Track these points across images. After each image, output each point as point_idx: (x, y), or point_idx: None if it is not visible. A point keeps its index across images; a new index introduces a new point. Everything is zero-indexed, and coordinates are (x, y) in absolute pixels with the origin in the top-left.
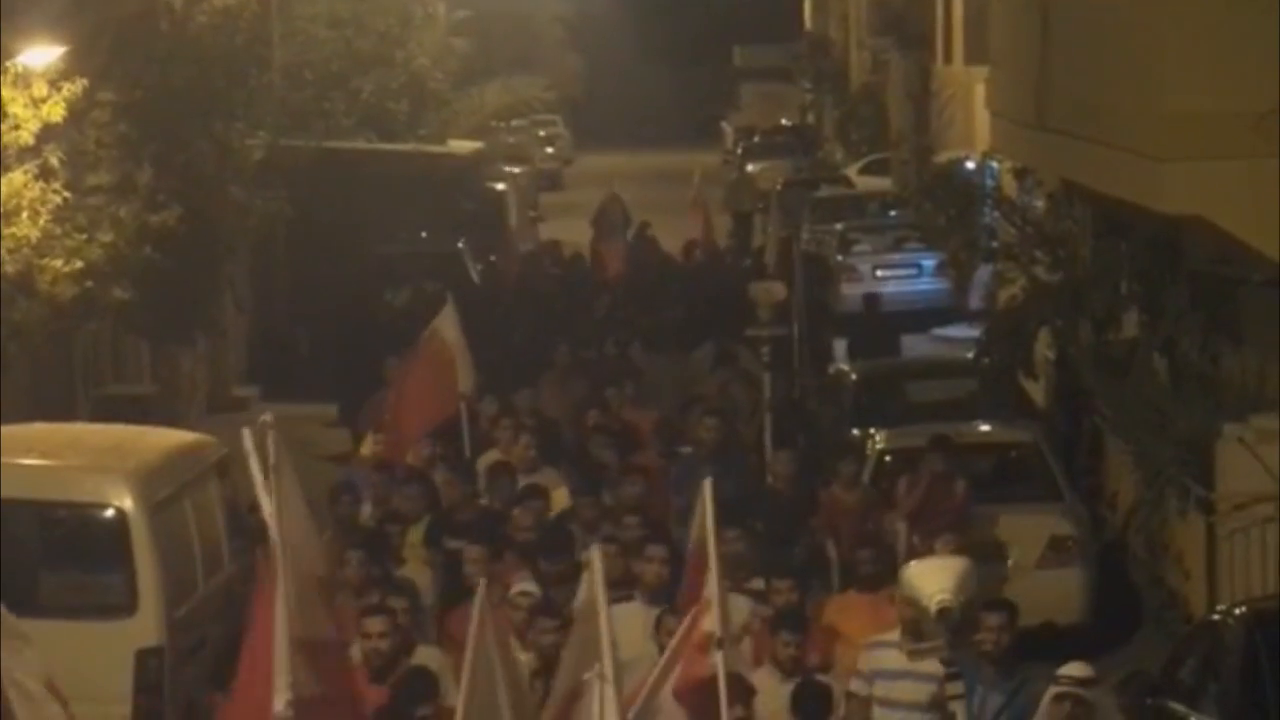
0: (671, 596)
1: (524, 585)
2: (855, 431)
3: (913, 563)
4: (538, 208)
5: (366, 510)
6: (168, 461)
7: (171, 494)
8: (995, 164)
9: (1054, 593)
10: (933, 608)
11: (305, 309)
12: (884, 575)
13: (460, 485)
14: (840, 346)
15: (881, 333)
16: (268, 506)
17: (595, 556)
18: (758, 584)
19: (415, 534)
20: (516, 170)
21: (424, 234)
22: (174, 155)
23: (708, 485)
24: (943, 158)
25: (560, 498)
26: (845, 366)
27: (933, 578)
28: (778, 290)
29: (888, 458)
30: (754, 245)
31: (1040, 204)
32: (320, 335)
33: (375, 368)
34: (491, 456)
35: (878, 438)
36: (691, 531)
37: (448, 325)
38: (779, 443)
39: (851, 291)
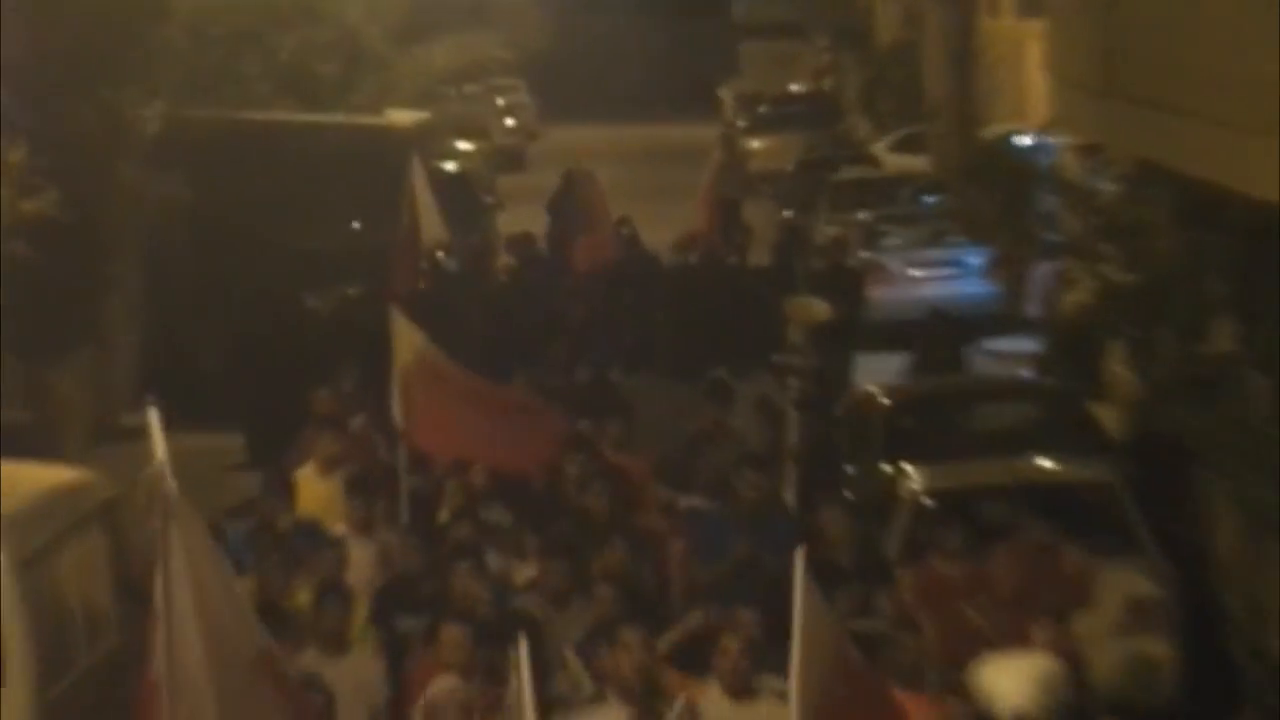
0: (647, 697)
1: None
2: (886, 469)
3: (990, 659)
4: (495, 192)
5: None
6: (42, 505)
7: (46, 545)
8: (1055, 139)
9: (1135, 667)
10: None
11: (212, 316)
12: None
13: (414, 551)
14: (864, 364)
15: (939, 348)
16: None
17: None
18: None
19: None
20: (470, 146)
21: (356, 225)
22: (51, 128)
23: (800, 557)
24: (991, 132)
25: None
26: (874, 389)
27: (1012, 680)
28: (819, 309)
29: (927, 503)
30: (743, 238)
31: (1111, 188)
32: (231, 349)
33: (293, 392)
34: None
35: (914, 478)
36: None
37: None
38: (820, 498)
39: (880, 296)
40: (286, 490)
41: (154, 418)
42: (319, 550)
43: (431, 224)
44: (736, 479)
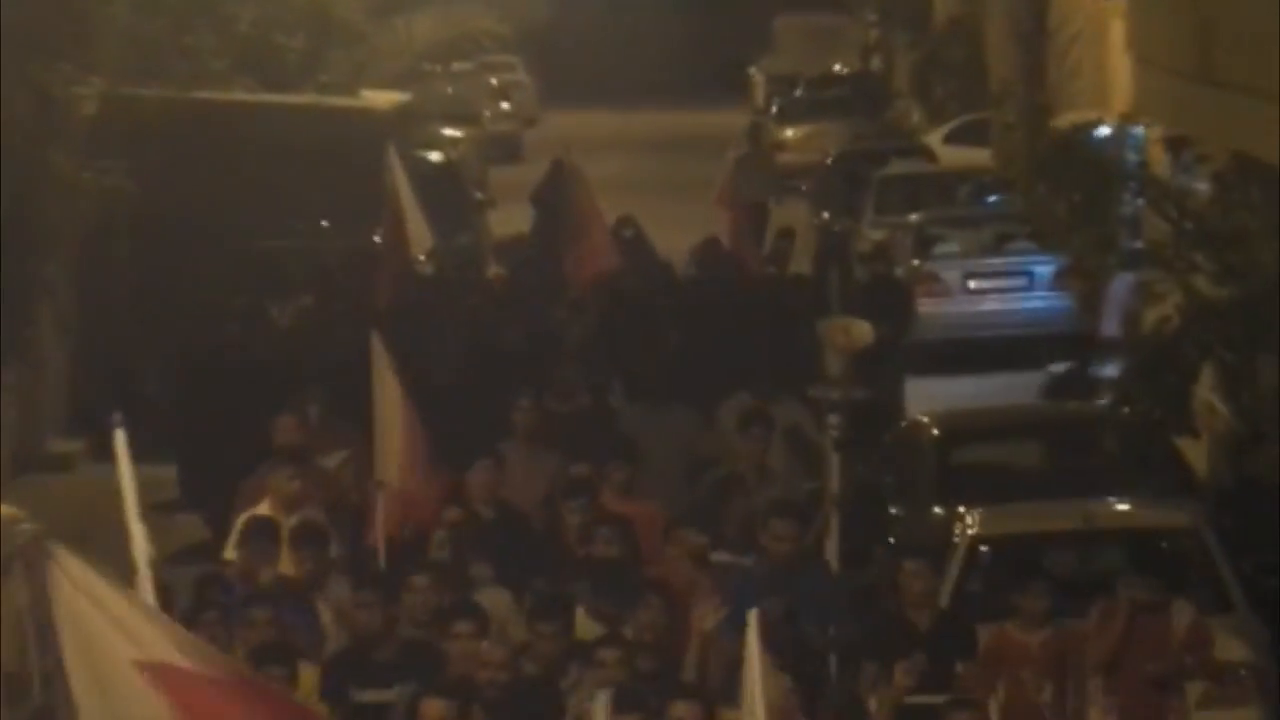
0: None
1: None
2: (938, 510)
3: None
4: (487, 186)
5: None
6: None
7: None
8: (1140, 131)
9: None
10: None
11: (154, 329)
12: None
13: (378, 608)
14: (914, 390)
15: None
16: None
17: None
18: None
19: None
20: (458, 133)
21: (325, 223)
22: None
23: (753, 619)
24: (1065, 121)
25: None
26: (924, 418)
27: None
28: (862, 331)
29: (984, 548)
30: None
31: (1204, 187)
32: (175, 367)
33: (244, 420)
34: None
35: (969, 520)
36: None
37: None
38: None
39: (934, 310)
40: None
41: (120, 440)
42: (254, 607)
43: (417, 229)
44: (764, 530)
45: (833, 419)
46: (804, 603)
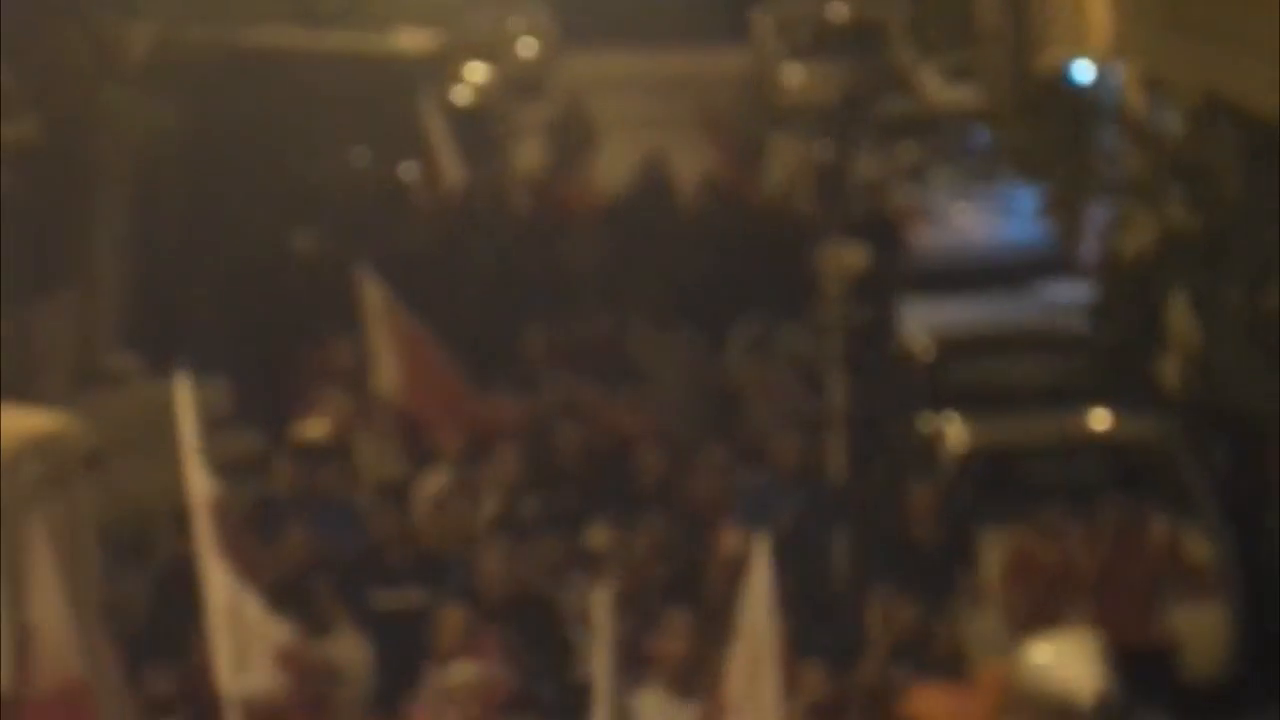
0: (696, 682)
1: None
2: (929, 423)
3: (1033, 644)
4: (510, 123)
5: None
6: (19, 454)
7: (25, 495)
8: (1118, 70)
9: (1186, 635)
10: (1088, 702)
11: (203, 256)
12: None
13: (394, 515)
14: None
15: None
16: None
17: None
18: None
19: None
20: (482, 72)
21: (361, 158)
22: (32, 50)
23: (762, 543)
24: (1047, 61)
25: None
26: (918, 337)
27: (1079, 661)
28: (856, 258)
29: (969, 459)
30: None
31: (1176, 124)
32: (223, 292)
33: (292, 341)
34: (439, 480)
35: (958, 433)
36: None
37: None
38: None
39: (925, 238)
40: (291, 451)
41: (183, 389)
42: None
43: (449, 164)
44: (777, 442)
45: (833, 339)
46: (809, 513)
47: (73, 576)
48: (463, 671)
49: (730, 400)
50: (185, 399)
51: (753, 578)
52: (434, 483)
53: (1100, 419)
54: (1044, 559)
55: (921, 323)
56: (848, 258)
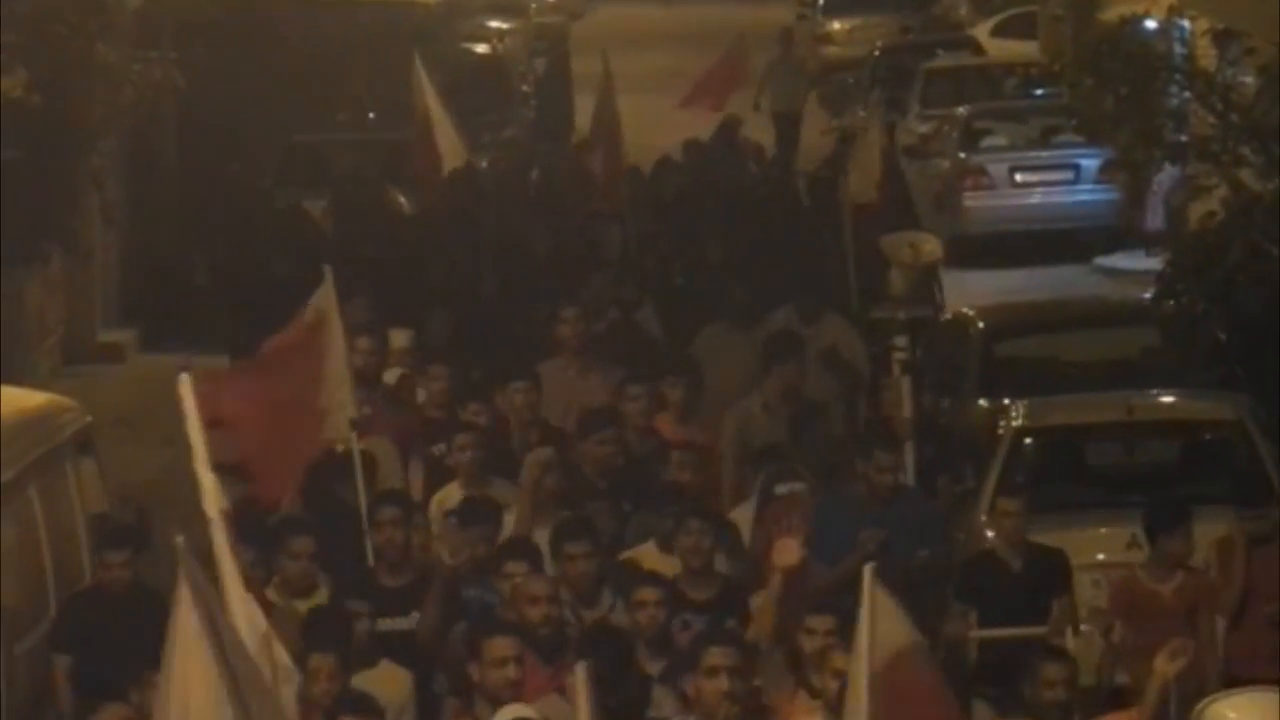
0: None
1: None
2: (983, 403)
3: (1222, 698)
4: (532, 80)
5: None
6: (9, 433)
7: (13, 479)
8: (1187, 23)
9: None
10: None
11: (200, 221)
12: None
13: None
14: (961, 283)
15: None
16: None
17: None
18: None
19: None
20: (504, 25)
21: (372, 115)
22: (22, 5)
23: (869, 574)
24: (1112, 14)
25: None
26: (969, 312)
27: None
28: (930, 246)
29: (1028, 441)
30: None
31: (1251, 81)
32: (221, 259)
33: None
34: (454, 492)
35: (1014, 413)
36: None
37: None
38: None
39: (980, 203)
40: None
41: (186, 389)
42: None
43: (448, 143)
44: (865, 460)
45: (899, 340)
46: (899, 533)
47: (60, 563)
48: (513, 713)
49: (809, 411)
50: (188, 398)
51: (865, 606)
52: (452, 494)
53: (1167, 398)
54: (1155, 594)
55: (976, 296)
56: (922, 246)
